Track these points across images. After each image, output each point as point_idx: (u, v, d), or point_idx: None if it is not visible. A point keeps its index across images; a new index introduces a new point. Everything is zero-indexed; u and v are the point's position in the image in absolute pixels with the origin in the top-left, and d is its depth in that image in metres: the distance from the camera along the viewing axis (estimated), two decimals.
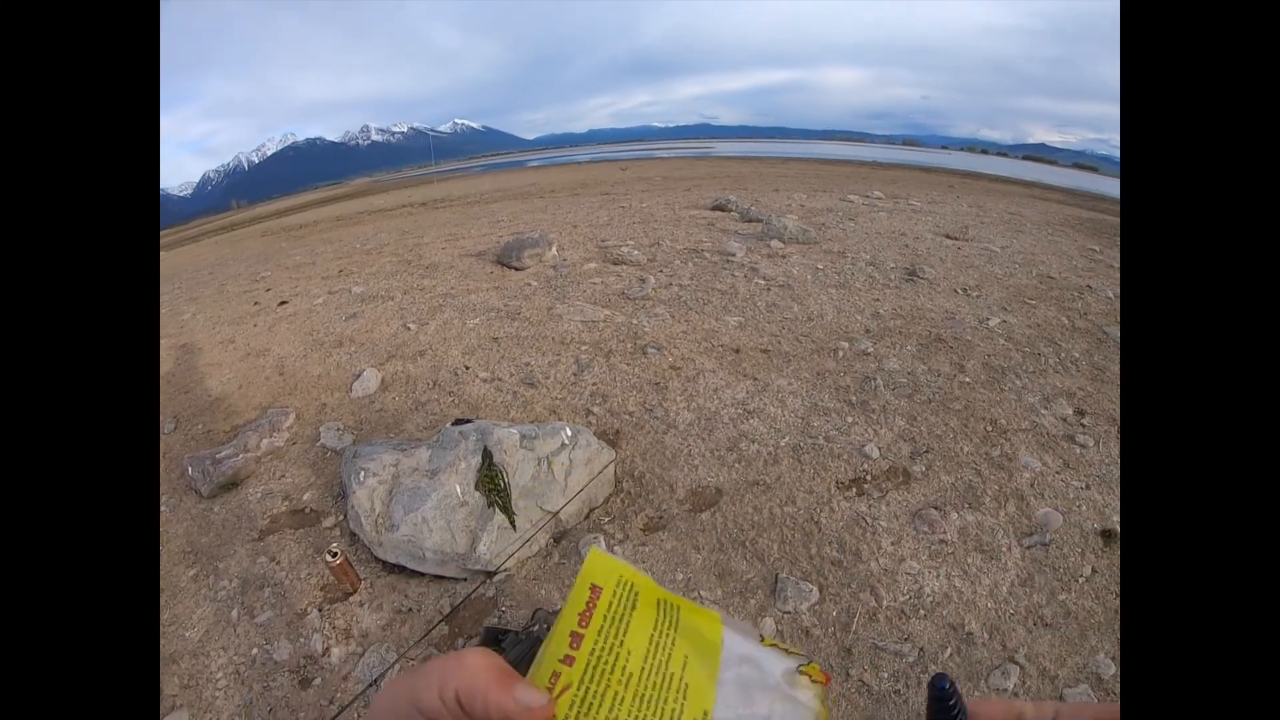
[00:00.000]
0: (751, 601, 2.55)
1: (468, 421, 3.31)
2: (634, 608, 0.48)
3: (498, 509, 2.91)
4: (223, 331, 6.16)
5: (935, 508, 3.00)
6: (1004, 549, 2.76)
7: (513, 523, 2.87)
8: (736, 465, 3.39)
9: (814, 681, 0.47)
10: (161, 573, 3.03)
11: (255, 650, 2.57)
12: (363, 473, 3.05)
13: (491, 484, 2.97)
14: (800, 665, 0.51)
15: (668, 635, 0.48)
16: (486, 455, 3.02)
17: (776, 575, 2.65)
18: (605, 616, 0.47)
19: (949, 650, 2.33)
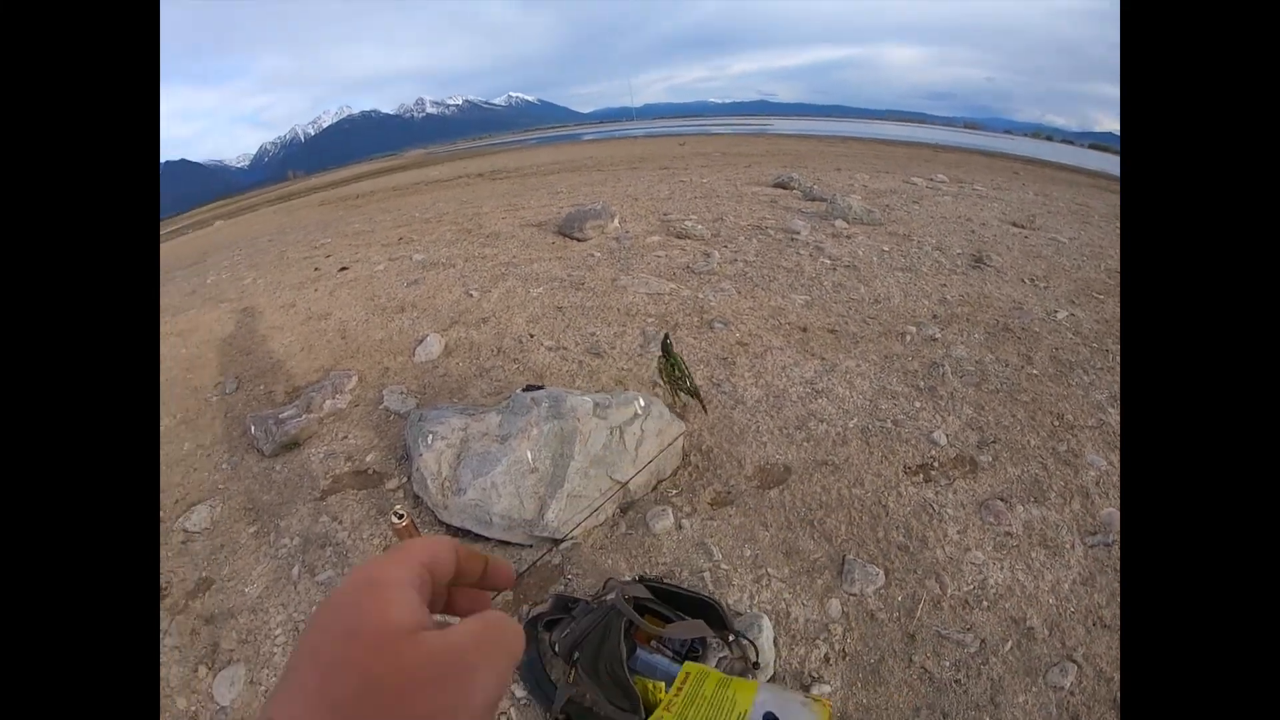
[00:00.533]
0: (818, 581, 2.56)
1: (538, 388, 3.36)
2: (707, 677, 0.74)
3: (683, 393, 3.43)
4: (284, 296, 6.28)
5: (1001, 499, 2.97)
6: (1067, 546, 2.73)
7: (703, 405, 3.50)
8: (805, 444, 3.39)
9: (822, 705, 0.66)
10: (221, 529, 3.13)
11: (315, 607, 2.64)
12: (430, 436, 3.11)
13: (672, 371, 3.40)
14: (814, 695, 0.67)
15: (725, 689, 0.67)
16: (666, 347, 3.41)
17: (844, 556, 2.66)
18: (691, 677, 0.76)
19: (1009, 643, 2.32)
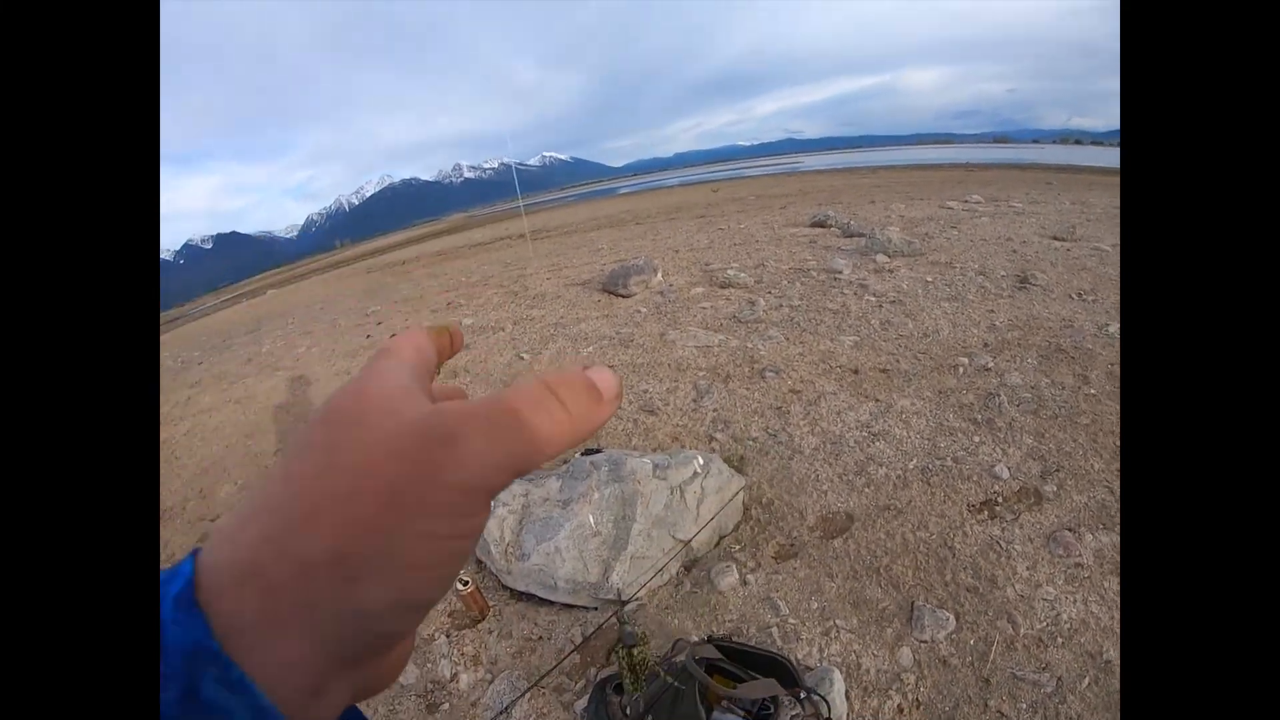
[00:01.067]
0: (888, 630, 2.54)
1: (597, 451, 3.41)
2: None
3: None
4: (338, 364, 6.49)
5: (1069, 529, 2.92)
6: None
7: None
8: (866, 490, 3.38)
9: None
10: None
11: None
12: (492, 503, 3.16)
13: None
14: None
15: None
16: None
17: (912, 603, 2.64)
18: None
19: (1086, 679, 2.28)
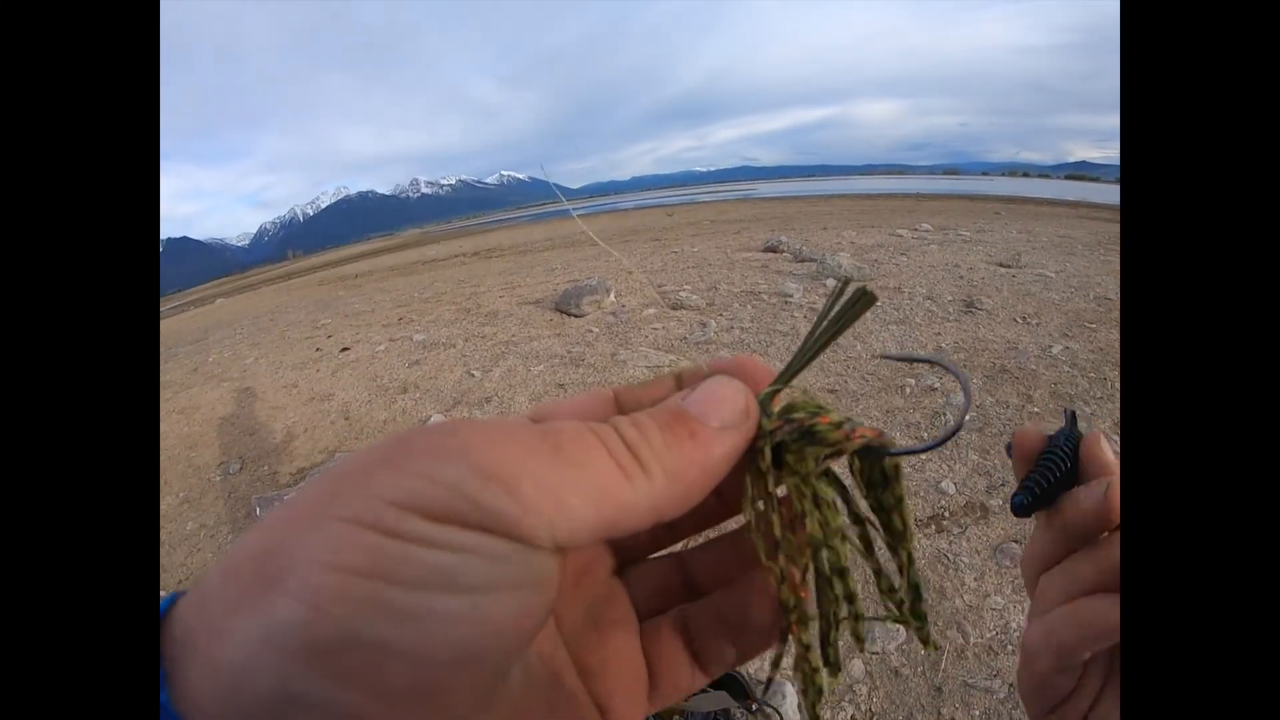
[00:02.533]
0: (839, 643, 2.55)
1: None
2: None
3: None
4: (286, 376, 6.35)
5: (1015, 541, 2.98)
6: None
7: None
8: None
9: None
10: None
11: None
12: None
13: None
14: None
15: None
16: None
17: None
18: None
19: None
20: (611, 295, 7.50)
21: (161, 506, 4.28)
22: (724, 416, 0.30)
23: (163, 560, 3.50)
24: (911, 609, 0.38)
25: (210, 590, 0.25)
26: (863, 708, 2.29)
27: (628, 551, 0.41)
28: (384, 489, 0.24)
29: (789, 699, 2.26)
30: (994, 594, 2.70)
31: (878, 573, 0.37)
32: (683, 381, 0.36)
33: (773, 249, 10.49)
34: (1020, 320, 5.88)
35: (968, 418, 0.40)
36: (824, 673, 0.35)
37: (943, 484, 3.43)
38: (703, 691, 2.12)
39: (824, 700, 0.38)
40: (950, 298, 6.69)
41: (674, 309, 6.99)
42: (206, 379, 6.81)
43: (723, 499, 0.37)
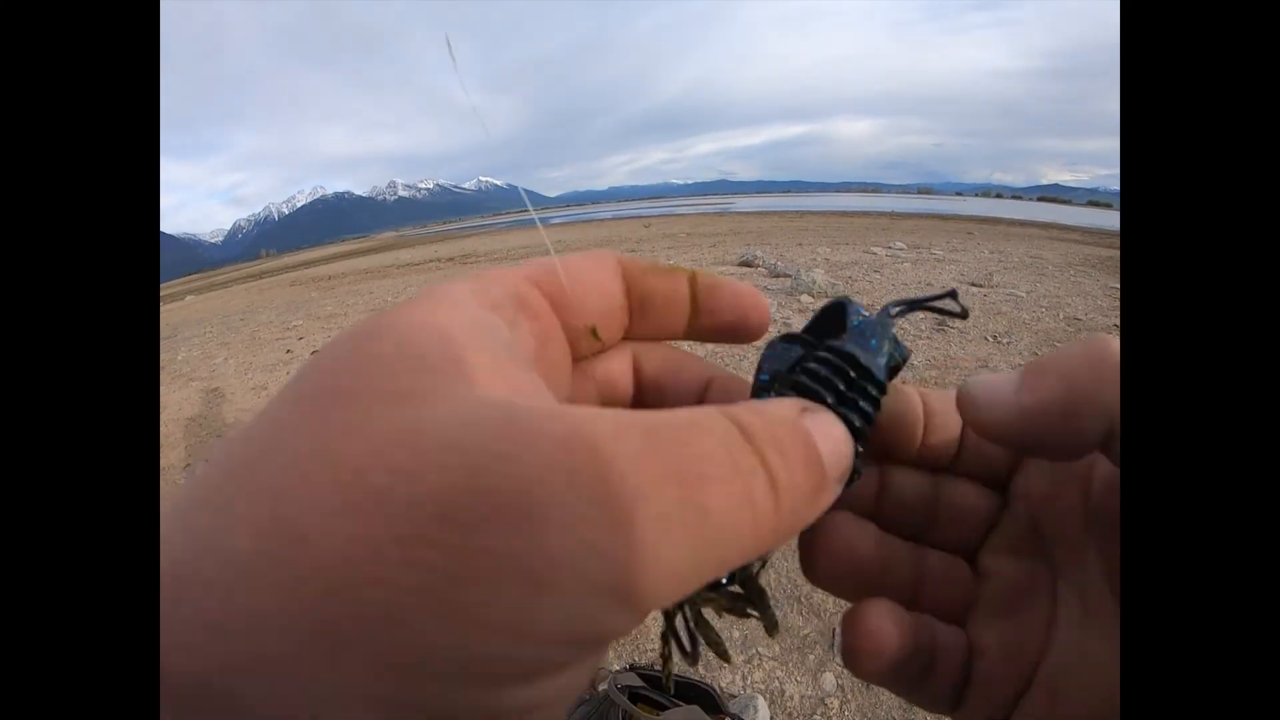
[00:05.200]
0: (810, 657, 2.57)
1: None
2: None
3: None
4: (255, 378, 6.26)
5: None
6: None
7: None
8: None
9: None
10: None
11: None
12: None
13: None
14: None
15: None
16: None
17: (834, 630, 2.67)
18: None
19: None
20: None
21: None
22: (839, 472, 0.26)
23: None
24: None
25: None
26: None
27: None
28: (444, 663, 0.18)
29: (760, 712, 2.27)
30: None
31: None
32: (697, 285, 0.33)
33: (748, 263, 10.54)
34: (991, 339, 5.97)
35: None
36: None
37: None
38: (674, 705, 2.14)
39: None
40: (922, 316, 6.73)
41: None
42: (174, 378, 6.69)
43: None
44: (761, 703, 2.32)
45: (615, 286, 0.31)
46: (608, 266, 0.32)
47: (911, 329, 6.32)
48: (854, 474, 0.28)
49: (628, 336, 0.34)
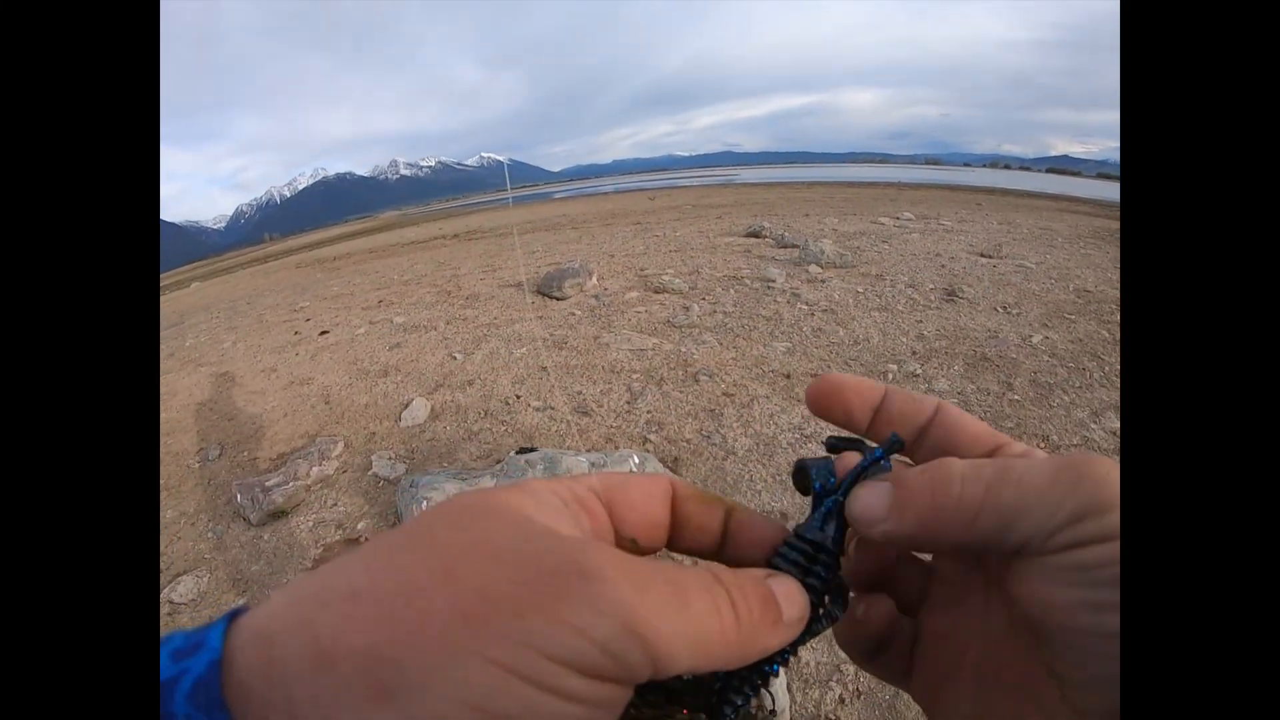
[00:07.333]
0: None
1: (532, 450, 3.38)
2: None
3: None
4: (264, 360, 6.28)
5: None
6: None
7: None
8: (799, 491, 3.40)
9: None
10: (209, 601, 3.06)
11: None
12: (425, 502, 3.09)
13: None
14: None
15: None
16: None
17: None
18: None
19: None
20: (594, 278, 7.48)
21: None
22: (793, 614, 0.34)
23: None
24: None
25: (291, 666, 0.25)
26: (850, 687, 2.30)
27: None
28: (540, 640, 0.26)
29: (778, 679, 2.27)
30: None
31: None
32: (733, 515, 0.39)
33: (755, 234, 10.49)
34: (1001, 310, 5.93)
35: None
36: None
37: None
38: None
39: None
40: (932, 286, 6.73)
41: (656, 293, 6.97)
42: (183, 364, 6.71)
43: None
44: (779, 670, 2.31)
45: (661, 509, 0.38)
46: (659, 490, 0.39)
47: (922, 300, 6.29)
48: (834, 617, 0.37)
49: (667, 547, 0.40)
